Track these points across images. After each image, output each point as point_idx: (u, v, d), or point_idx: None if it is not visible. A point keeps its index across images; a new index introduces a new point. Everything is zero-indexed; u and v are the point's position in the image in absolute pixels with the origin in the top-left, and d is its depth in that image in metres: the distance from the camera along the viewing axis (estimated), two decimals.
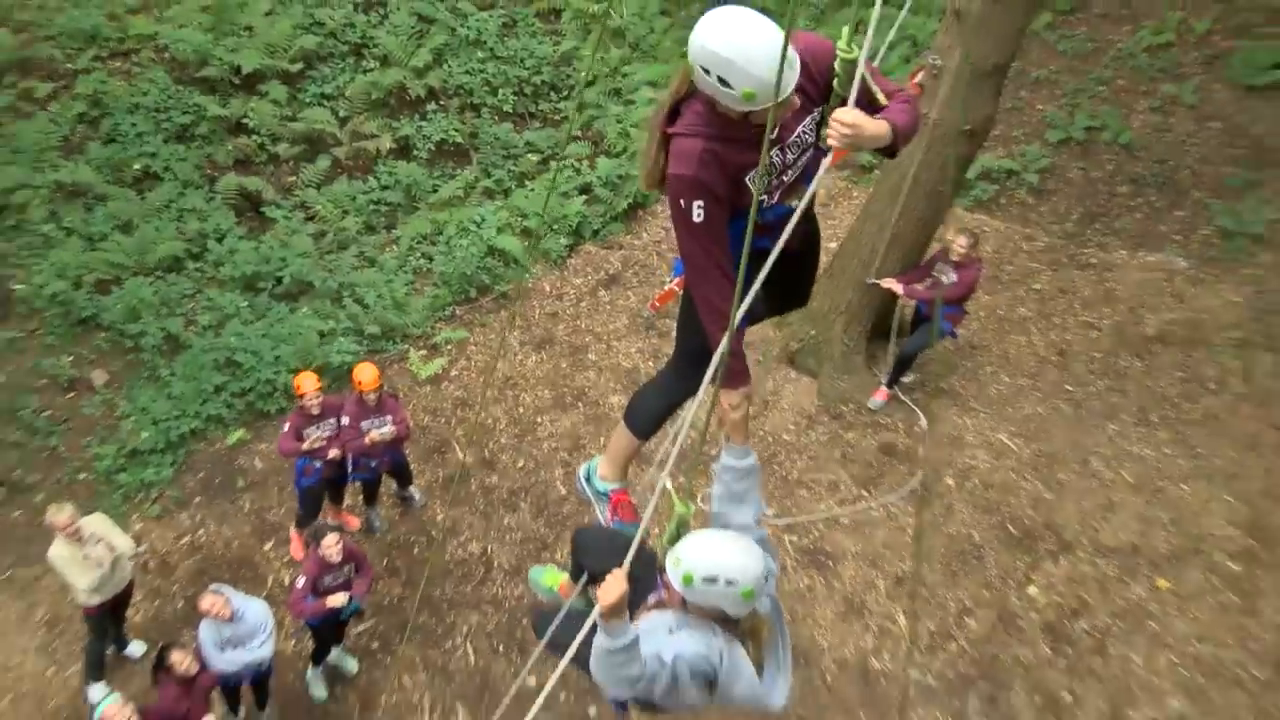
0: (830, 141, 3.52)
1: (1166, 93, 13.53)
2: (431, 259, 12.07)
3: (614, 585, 3.41)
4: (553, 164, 13.37)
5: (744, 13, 3.44)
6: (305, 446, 8.37)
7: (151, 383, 10.23)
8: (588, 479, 5.16)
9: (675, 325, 4.60)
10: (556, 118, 14.19)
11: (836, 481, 9.48)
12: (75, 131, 12.04)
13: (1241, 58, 13.38)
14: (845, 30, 3.59)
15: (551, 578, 5.63)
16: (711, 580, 3.60)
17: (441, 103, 13.66)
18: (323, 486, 8.76)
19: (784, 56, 3.02)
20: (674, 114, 3.76)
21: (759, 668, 3.79)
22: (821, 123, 3.76)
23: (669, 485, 3.98)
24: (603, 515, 5.07)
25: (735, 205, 3.74)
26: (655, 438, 4.97)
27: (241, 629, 7.24)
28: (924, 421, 9.91)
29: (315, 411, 8.34)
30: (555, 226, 12.49)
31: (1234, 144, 12.74)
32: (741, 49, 3.39)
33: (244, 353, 10.36)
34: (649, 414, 4.80)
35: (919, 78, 9.28)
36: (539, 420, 10.33)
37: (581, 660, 3.79)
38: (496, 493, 9.60)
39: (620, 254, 12.51)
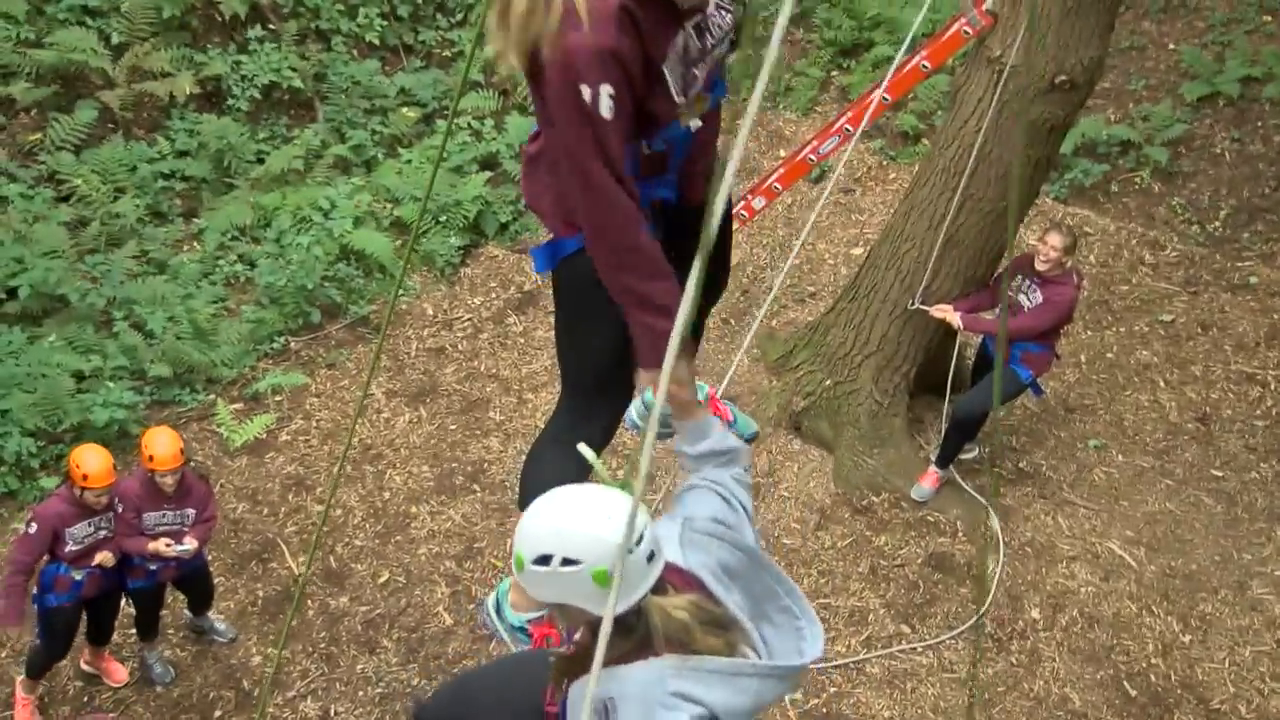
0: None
1: None
2: (253, 264, 12.06)
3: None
4: (439, 123, 13.44)
5: None
6: (69, 550, 8.21)
7: None
8: (497, 610, 5.09)
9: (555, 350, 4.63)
10: (446, 54, 14.29)
11: (863, 610, 9.45)
12: None
13: None
14: None
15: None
16: (543, 561, 3.47)
17: (271, 26, 13.68)
18: (77, 610, 8.56)
19: None
20: None
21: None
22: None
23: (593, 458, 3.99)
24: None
25: (642, 112, 3.80)
26: None
27: None
28: (995, 521, 9.90)
29: (98, 507, 8.20)
30: (443, 218, 12.52)
31: None
32: None
33: None
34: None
35: (989, 3, 9.34)
36: (413, 511, 10.26)
37: None
38: (346, 622, 9.50)
39: None
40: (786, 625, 3.72)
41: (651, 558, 3.46)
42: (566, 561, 3.43)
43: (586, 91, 3.60)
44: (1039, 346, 9.52)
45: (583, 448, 3.94)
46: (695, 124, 3.97)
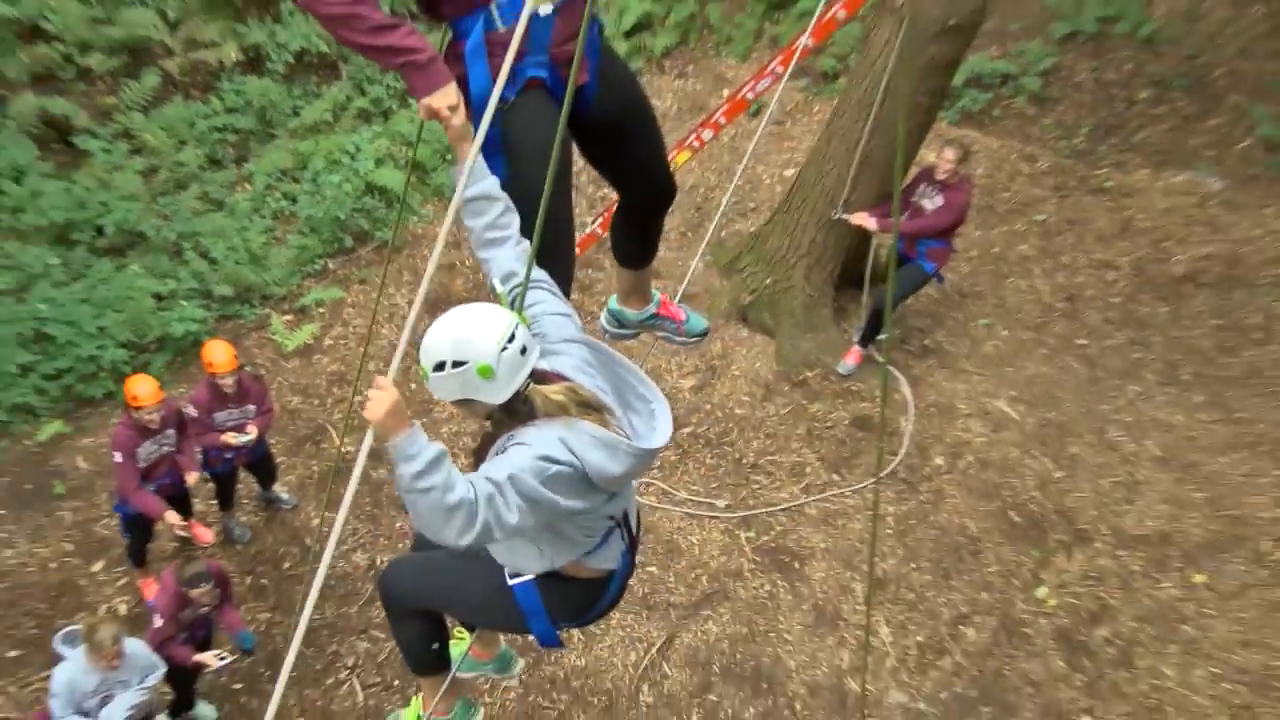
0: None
1: None
2: (295, 200, 11.97)
3: (380, 398, 3.23)
4: None
5: None
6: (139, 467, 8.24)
7: None
8: (619, 322, 5.37)
9: None
10: None
11: (801, 464, 9.57)
12: None
13: None
14: None
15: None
16: (439, 368, 3.54)
17: None
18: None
19: None
20: None
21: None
22: None
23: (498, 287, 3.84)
24: (666, 330, 5.40)
25: None
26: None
27: (118, 677, 7.20)
28: (905, 387, 10.01)
29: (154, 426, 8.22)
30: (450, 156, 12.39)
31: None
32: None
33: (57, 324, 10.18)
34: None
35: None
36: (434, 398, 10.21)
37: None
38: (385, 489, 9.57)
39: None
40: (643, 410, 3.74)
41: (524, 352, 3.50)
42: (456, 364, 3.49)
43: None
44: (940, 243, 9.55)
45: (497, 285, 3.82)
46: (546, 9, 3.81)
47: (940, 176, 9.40)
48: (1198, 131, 12.44)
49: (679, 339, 5.41)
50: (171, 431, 8.28)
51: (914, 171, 9.92)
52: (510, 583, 4.03)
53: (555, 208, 3.65)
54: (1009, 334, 10.66)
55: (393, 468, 3.26)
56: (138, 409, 7.96)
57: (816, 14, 8.95)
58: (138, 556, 8.75)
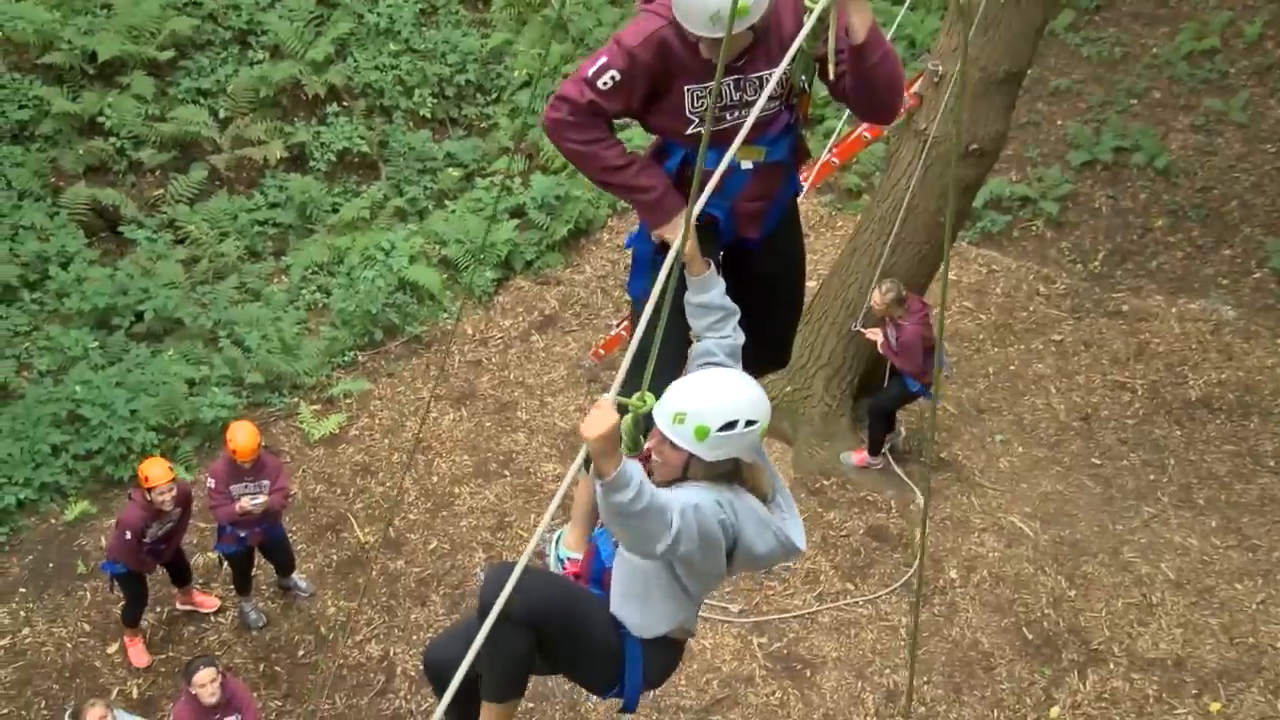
0: None
1: (1211, 108, 13.72)
2: (329, 293, 12.00)
3: (601, 416, 3.28)
4: (478, 181, 13.34)
5: None
6: (146, 543, 8.31)
7: None
8: (557, 542, 5.15)
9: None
10: (484, 125, 14.18)
11: (816, 571, 9.39)
12: None
13: None
14: None
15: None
16: (730, 426, 3.66)
17: (344, 104, 13.61)
18: (142, 578, 8.65)
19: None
20: None
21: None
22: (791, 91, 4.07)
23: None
24: None
25: (658, 116, 4.12)
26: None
27: None
28: (920, 499, 9.83)
29: (166, 508, 8.19)
30: (480, 256, 12.42)
31: None
32: None
33: (92, 405, 10.16)
34: None
35: (916, 86, 9.41)
36: (456, 492, 10.21)
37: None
38: (402, 581, 9.46)
39: (558, 291, 12.44)
40: (788, 513, 3.97)
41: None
42: (749, 423, 3.68)
43: (598, 62, 3.98)
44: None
45: (621, 398, 3.90)
46: (747, 165, 4.11)
47: (877, 313, 9.40)
48: (1212, 261, 12.40)
49: None
50: (178, 510, 8.38)
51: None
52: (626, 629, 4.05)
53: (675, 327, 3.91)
54: (1024, 450, 10.52)
55: (602, 494, 3.38)
56: (150, 489, 8.05)
57: (840, 133, 8.96)
58: (132, 617, 8.70)
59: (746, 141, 3.93)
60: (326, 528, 9.91)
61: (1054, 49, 14.47)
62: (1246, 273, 12.18)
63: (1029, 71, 9.61)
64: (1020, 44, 9.03)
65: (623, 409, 3.50)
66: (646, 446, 3.83)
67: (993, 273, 12.25)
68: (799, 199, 4.71)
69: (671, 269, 3.43)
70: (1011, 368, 11.36)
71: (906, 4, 7.15)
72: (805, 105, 4.17)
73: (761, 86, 3.90)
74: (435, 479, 10.33)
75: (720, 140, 3.95)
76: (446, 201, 13.24)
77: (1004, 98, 9.24)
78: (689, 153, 4.14)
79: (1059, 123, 14.01)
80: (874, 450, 10.12)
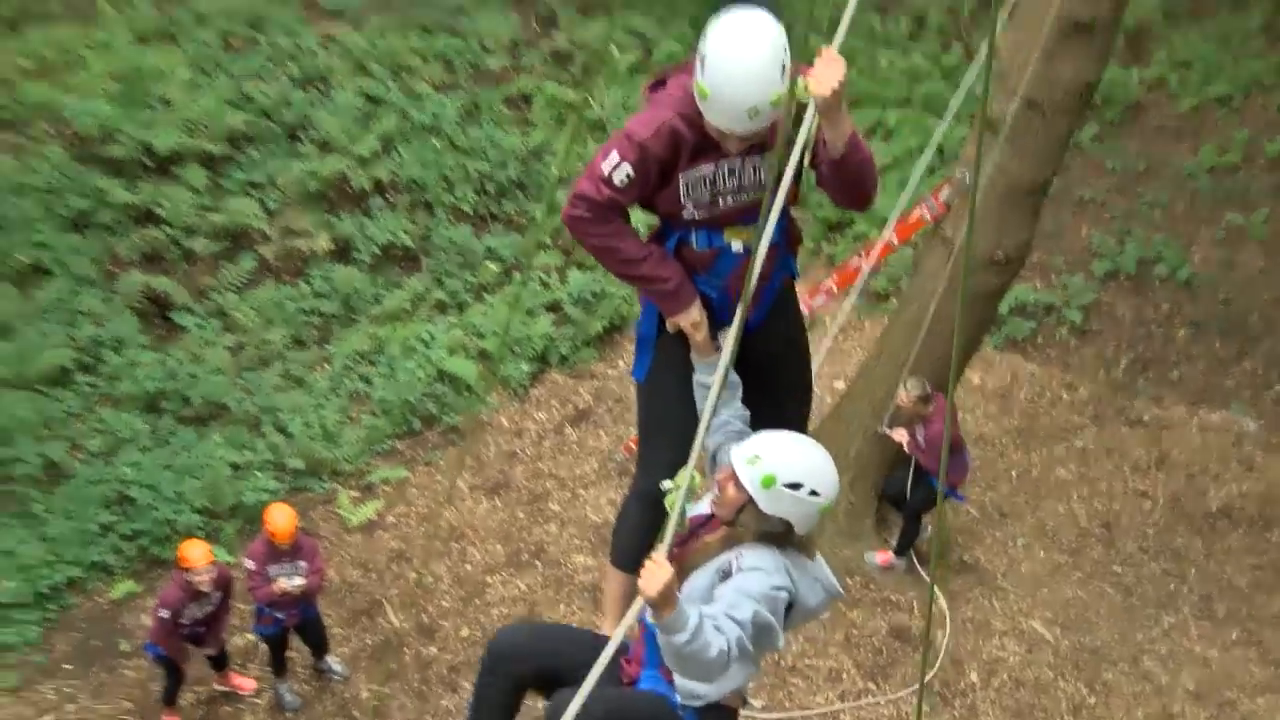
0: (811, 85, 3.67)
1: (1232, 223, 13.81)
2: (370, 382, 12.11)
3: (658, 572, 3.47)
4: (516, 275, 13.44)
5: (759, 21, 3.83)
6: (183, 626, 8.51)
7: (22, 520, 10.11)
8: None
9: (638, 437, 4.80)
10: (523, 221, 14.30)
11: (838, 670, 9.40)
12: None
13: None
14: (800, 80, 3.78)
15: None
16: (795, 486, 3.82)
17: (389, 198, 13.76)
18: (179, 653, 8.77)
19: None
20: (660, 83, 4.22)
21: None
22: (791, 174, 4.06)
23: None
24: None
25: (658, 200, 4.18)
26: None
27: None
28: (942, 601, 9.89)
29: (205, 589, 8.37)
30: (517, 350, 12.58)
31: None
32: (723, 46, 3.81)
33: (139, 486, 10.32)
34: (633, 537, 4.77)
35: (944, 194, 9.51)
36: (489, 580, 10.26)
37: None
38: (435, 667, 9.50)
39: (592, 385, 12.57)
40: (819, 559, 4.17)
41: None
42: (813, 492, 3.84)
43: (611, 156, 4.04)
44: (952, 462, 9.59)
45: (665, 483, 4.05)
46: (738, 247, 4.24)
47: (904, 412, 9.51)
48: (1233, 373, 12.47)
49: None
50: (218, 594, 8.54)
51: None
52: (679, 700, 4.06)
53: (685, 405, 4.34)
54: (1045, 555, 10.56)
55: (661, 635, 3.58)
56: (188, 570, 8.21)
57: (898, 224, 9.10)
58: (169, 696, 8.82)
59: (738, 224, 4.23)
60: (361, 612, 9.97)
61: (1079, 160, 14.55)
62: (1268, 385, 12.25)
63: (1054, 182, 9.73)
64: (1046, 154, 9.11)
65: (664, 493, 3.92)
66: (708, 499, 4.10)
67: (1016, 378, 12.34)
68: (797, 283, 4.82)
69: (730, 356, 3.70)
70: (1034, 473, 11.40)
71: (948, 118, 7.42)
72: (795, 189, 4.16)
73: (755, 171, 4.15)
74: (469, 567, 10.39)
75: (724, 222, 4.24)
76: (485, 295, 13.31)
77: (1029, 208, 9.33)
78: (683, 235, 4.28)
79: (1083, 232, 14.09)
80: (902, 550, 10.17)
